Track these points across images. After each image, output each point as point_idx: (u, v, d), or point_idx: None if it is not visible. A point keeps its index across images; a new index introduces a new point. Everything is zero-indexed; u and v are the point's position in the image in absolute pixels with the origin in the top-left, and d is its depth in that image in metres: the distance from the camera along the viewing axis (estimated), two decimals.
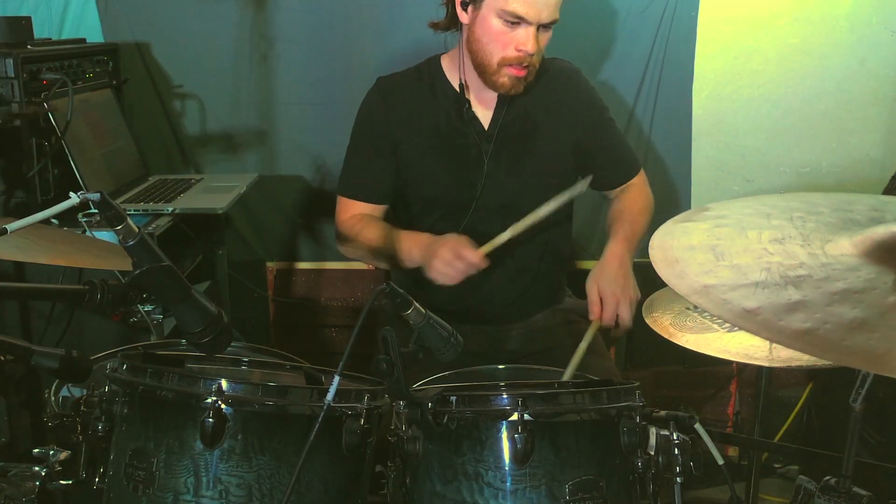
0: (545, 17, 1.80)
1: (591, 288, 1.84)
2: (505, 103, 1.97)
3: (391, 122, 1.99)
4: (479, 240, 1.98)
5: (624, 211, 2.06)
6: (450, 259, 1.77)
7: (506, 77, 1.87)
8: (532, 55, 1.83)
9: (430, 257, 1.81)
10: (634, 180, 2.13)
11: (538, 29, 1.82)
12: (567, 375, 1.71)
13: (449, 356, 1.28)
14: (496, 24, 1.82)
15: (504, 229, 1.98)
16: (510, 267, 2.02)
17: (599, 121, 2.10)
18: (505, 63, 1.85)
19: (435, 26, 2.02)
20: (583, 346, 1.77)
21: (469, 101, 1.97)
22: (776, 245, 1.18)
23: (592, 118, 2.08)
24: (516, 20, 1.80)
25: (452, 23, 1.96)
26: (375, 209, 2.05)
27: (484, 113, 1.99)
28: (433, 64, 2.04)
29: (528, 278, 2.05)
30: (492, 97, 1.98)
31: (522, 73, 1.86)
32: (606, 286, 1.82)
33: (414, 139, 1.99)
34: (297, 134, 2.80)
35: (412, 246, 1.90)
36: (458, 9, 1.90)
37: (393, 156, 2.01)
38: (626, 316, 1.81)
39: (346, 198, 2.06)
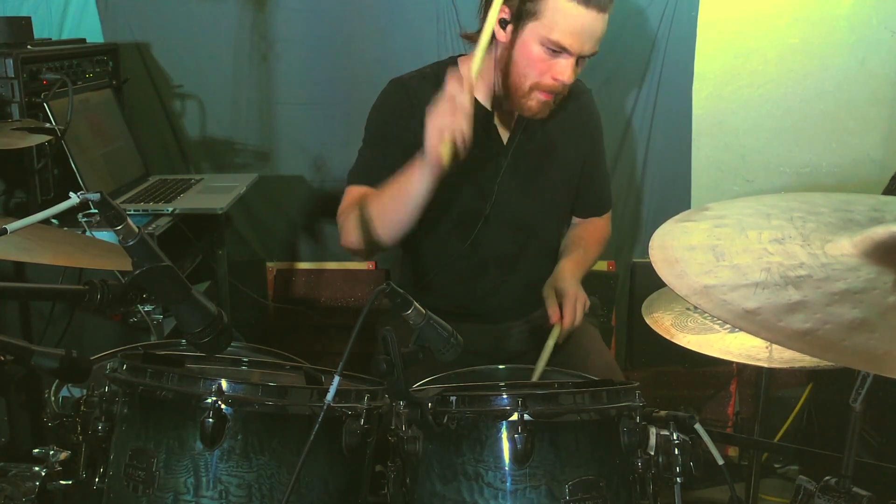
0: (587, 49, 1.78)
1: (549, 293, 1.91)
2: (525, 119, 1.95)
3: (415, 124, 1.87)
4: (487, 254, 1.98)
5: (582, 238, 2.10)
6: (444, 106, 1.62)
7: (535, 101, 1.83)
8: (566, 85, 1.81)
9: (427, 133, 1.63)
10: (602, 216, 2.19)
11: (577, 60, 1.79)
12: (535, 377, 1.74)
13: (449, 356, 1.28)
14: (536, 50, 1.78)
15: (512, 243, 1.99)
16: (509, 266, 2.03)
17: (598, 148, 2.13)
18: (536, 88, 1.82)
19: (468, 38, 1.97)
20: (546, 352, 1.80)
21: (492, 114, 1.95)
22: (776, 245, 1.18)
23: (594, 144, 2.11)
24: (559, 50, 1.77)
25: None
26: None
27: (504, 126, 1.97)
28: (451, 69, 2.00)
29: (528, 277, 2.05)
30: (513, 112, 1.95)
31: (551, 97, 1.83)
32: (563, 288, 1.89)
33: None
34: (297, 134, 2.81)
35: (409, 167, 1.72)
36: (497, 26, 1.82)
37: (412, 155, 1.89)
38: (578, 318, 1.88)
39: (357, 185, 1.92)
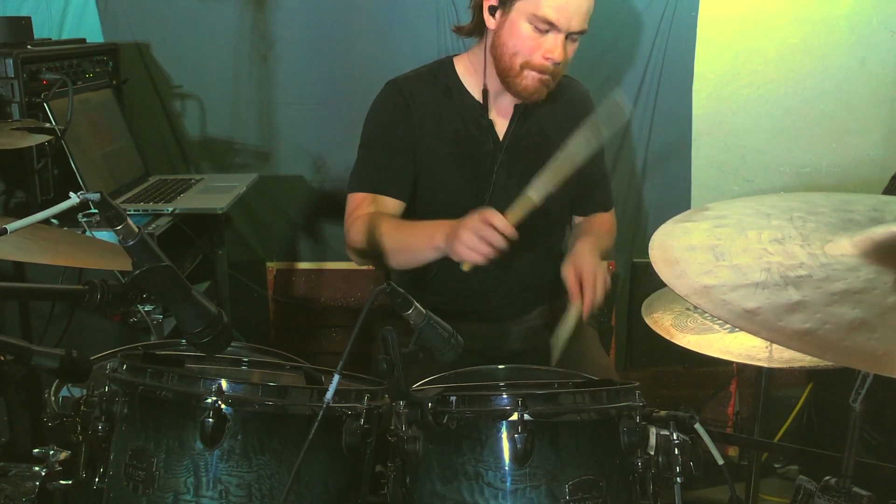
0: (575, 25, 1.79)
1: (568, 271, 1.85)
2: (520, 115, 1.96)
3: (412, 126, 1.94)
4: None
5: (591, 227, 2.10)
6: (477, 226, 1.66)
7: (529, 80, 1.84)
8: (558, 64, 1.81)
9: (455, 232, 1.70)
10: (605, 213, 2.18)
11: (567, 37, 1.80)
12: (554, 360, 1.74)
13: (449, 356, 1.28)
14: (525, 29, 1.80)
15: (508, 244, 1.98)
16: (515, 285, 2.03)
17: (597, 149, 2.11)
18: (528, 66, 1.83)
19: (459, 31, 2.00)
20: (566, 328, 1.78)
21: (487, 109, 1.95)
22: (776, 245, 1.18)
23: None
24: (546, 26, 1.78)
25: (478, 28, 1.93)
26: (395, 206, 1.94)
27: (500, 122, 1.97)
28: (446, 67, 2.00)
29: (526, 273, 2.05)
30: (508, 107, 1.96)
31: (545, 76, 1.84)
32: (582, 265, 1.84)
33: (432, 144, 1.95)
34: (297, 134, 2.80)
35: (435, 230, 1.78)
36: (486, 14, 1.87)
37: (412, 158, 1.95)
38: (599, 294, 1.82)
39: (361, 193, 1.94)
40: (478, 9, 1.91)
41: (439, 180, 1.97)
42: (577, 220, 2.17)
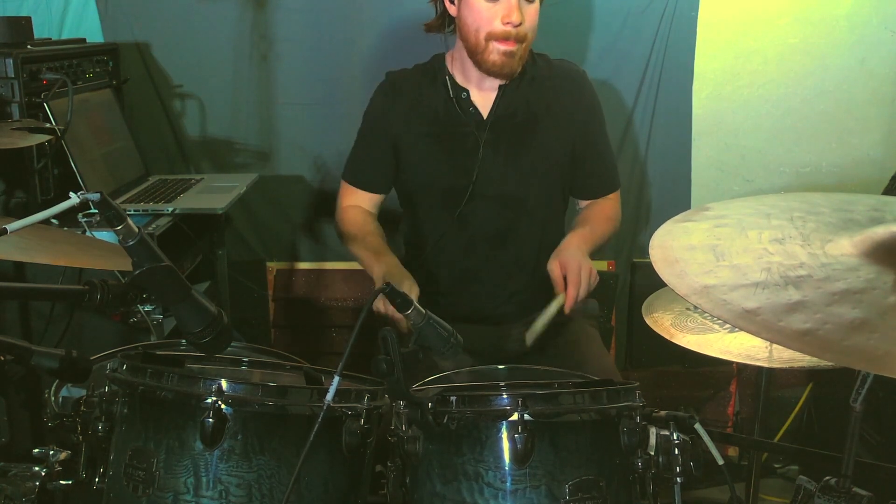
0: None
1: (553, 265, 1.88)
2: (504, 92, 1.99)
3: (391, 114, 2.05)
4: (476, 229, 2.02)
5: (589, 217, 2.10)
6: (381, 309, 1.75)
7: (495, 53, 1.89)
8: (518, 26, 1.85)
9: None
10: (609, 196, 2.17)
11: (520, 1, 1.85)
12: (528, 343, 1.81)
13: (449, 356, 1.28)
14: (478, 2, 1.87)
15: (500, 219, 2.03)
16: (509, 265, 2.03)
17: (596, 129, 2.12)
18: (491, 38, 1.88)
19: (428, 27, 2.08)
20: (545, 316, 1.81)
21: (468, 91, 2.01)
22: (776, 245, 1.18)
23: (591, 124, 2.10)
24: None
25: (444, 21, 2.01)
26: (373, 198, 2.14)
27: (484, 102, 2.01)
28: (437, 59, 2.09)
29: (527, 276, 2.05)
30: (493, 88, 2.00)
31: (512, 45, 1.87)
32: (566, 258, 1.86)
33: (412, 128, 2.03)
34: (297, 134, 2.81)
35: (371, 268, 1.95)
36: (447, 4, 1.96)
37: (391, 148, 2.06)
38: (584, 288, 1.83)
39: (347, 183, 2.16)
40: (438, 1, 2.00)
41: (422, 161, 2.04)
42: (582, 204, 2.17)
